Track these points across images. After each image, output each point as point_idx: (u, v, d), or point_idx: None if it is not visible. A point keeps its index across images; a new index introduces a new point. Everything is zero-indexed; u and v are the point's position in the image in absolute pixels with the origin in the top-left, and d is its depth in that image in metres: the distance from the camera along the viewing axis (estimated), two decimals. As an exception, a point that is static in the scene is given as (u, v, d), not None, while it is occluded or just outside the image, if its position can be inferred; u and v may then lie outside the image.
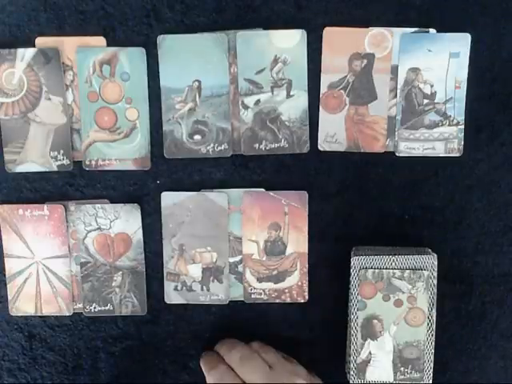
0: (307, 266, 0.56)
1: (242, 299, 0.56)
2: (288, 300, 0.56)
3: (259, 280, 0.56)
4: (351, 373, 0.53)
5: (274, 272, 0.56)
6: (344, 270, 0.53)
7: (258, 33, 0.53)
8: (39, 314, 0.56)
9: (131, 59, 0.53)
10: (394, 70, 0.53)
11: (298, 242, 0.55)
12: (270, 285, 0.56)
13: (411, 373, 0.53)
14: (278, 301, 0.56)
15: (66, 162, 0.54)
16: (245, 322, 0.57)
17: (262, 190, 0.55)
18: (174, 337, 0.57)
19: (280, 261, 0.56)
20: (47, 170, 0.54)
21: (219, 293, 0.56)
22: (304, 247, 0.55)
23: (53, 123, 0.54)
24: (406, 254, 0.52)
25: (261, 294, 0.56)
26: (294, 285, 0.56)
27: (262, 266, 0.56)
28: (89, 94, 0.54)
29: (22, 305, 0.56)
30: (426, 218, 0.55)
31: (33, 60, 0.53)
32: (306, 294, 0.56)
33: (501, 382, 0.58)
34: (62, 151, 0.54)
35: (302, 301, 0.56)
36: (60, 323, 0.57)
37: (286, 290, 0.56)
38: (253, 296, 0.56)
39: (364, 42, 0.53)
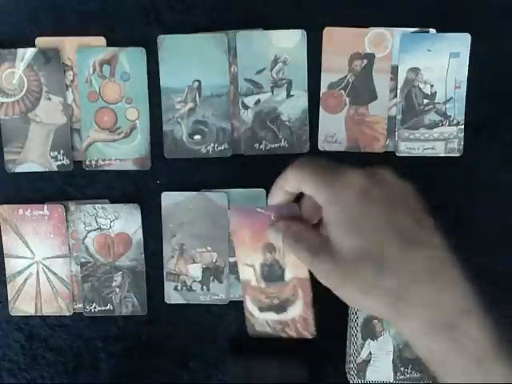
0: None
1: (242, 299, 0.56)
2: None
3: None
4: (351, 373, 0.53)
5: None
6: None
7: (258, 33, 0.53)
8: (39, 314, 0.56)
9: (131, 59, 0.53)
10: (394, 70, 0.53)
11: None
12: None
13: (411, 373, 0.53)
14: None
15: (66, 161, 0.54)
16: (245, 322, 0.57)
17: (263, 189, 0.54)
18: (173, 337, 0.57)
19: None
20: (47, 170, 0.54)
21: (219, 293, 0.56)
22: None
23: (53, 123, 0.54)
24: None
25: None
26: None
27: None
28: (89, 94, 0.54)
29: (22, 305, 0.56)
30: (425, 217, 0.55)
31: (33, 60, 0.53)
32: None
33: (501, 382, 0.58)
34: (62, 151, 0.54)
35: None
36: (60, 323, 0.57)
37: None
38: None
39: (364, 42, 0.53)
